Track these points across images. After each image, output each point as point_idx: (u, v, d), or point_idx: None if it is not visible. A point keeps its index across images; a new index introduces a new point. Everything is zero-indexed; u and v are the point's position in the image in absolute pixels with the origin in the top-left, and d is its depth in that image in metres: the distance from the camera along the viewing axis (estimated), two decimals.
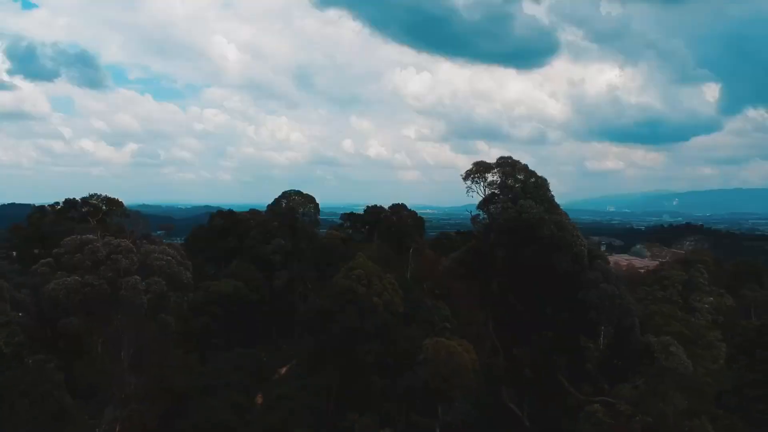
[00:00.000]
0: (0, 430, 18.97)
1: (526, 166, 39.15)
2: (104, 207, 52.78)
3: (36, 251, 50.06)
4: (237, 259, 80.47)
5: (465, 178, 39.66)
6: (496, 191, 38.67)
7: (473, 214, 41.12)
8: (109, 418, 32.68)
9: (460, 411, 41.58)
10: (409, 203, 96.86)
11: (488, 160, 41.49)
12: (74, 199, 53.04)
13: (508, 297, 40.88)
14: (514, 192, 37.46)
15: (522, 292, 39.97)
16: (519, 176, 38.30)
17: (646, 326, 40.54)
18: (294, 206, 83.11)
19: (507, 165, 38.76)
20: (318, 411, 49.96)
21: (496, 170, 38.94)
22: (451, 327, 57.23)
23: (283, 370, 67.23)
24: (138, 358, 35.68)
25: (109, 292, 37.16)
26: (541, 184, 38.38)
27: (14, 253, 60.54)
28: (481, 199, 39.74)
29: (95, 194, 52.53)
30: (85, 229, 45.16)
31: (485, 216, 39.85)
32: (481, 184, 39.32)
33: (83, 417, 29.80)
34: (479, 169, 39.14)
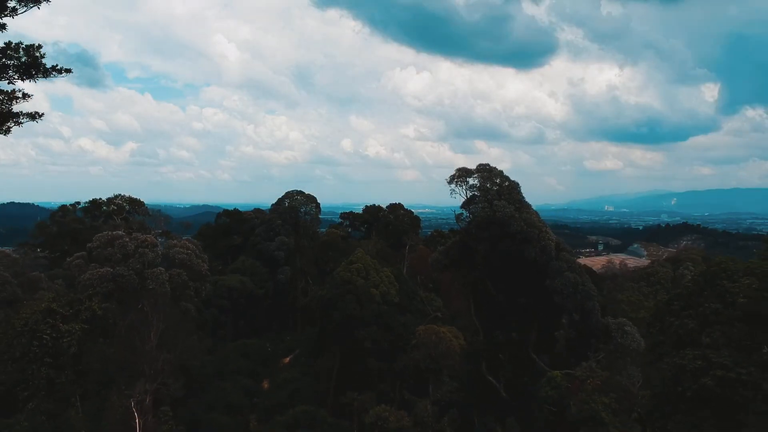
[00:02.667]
0: (79, 383, 23.26)
1: (501, 172, 44.47)
2: (127, 206, 57.54)
3: (65, 247, 54.92)
4: (243, 256, 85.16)
5: (450, 182, 44.80)
6: (476, 193, 43.70)
7: (457, 212, 46.18)
8: (141, 390, 37.43)
9: (448, 388, 46.41)
10: (408, 202, 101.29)
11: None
12: (100, 199, 57.90)
13: (487, 285, 45.86)
14: (491, 194, 42.53)
15: (499, 281, 45.08)
16: (495, 180, 43.50)
17: (616, 312, 45.54)
18: (296, 205, 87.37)
19: (485, 171, 43.98)
20: (321, 391, 54.79)
21: (476, 175, 44.09)
22: (442, 316, 62.19)
23: (287, 359, 72.10)
24: (164, 338, 40.34)
25: (137, 281, 41.99)
26: (513, 187, 43.65)
27: (38, 249, 65.36)
28: (463, 200, 44.77)
29: (119, 194, 57.38)
30: (112, 226, 49.97)
31: (468, 215, 44.85)
32: (464, 187, 44.42)
33: (121, 387, 34.50)
34: (461, 174, 44.25)
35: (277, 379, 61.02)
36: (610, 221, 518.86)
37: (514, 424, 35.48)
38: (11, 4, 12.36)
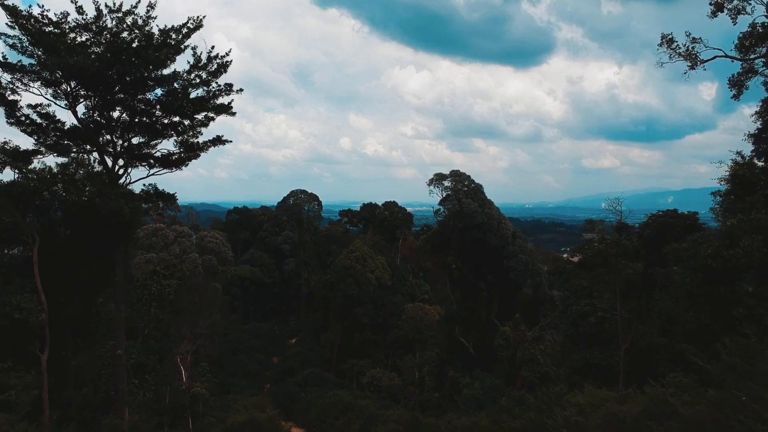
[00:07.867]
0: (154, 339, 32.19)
1: (469, 177, 54.83)
2: (161, 204, 66.60)
3: None
4: (252, 249, 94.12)
5: (429, 185, 54.99)
6: (450, 193, 53.68)
7: (435, 208, 56.29)
8: (184, 350, 46.89)
9: (431, 353, 56.11)
10: (405, 200, 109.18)
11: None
12: None
13: (460, 265, 55.76)
14: (461, 194, 52.51)
15: (468, 262, 54.94)
16: (465, 183, 53.59)
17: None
18: (300, 203, 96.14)
19: (457, 176, 54.12)
20: (325, 359, 64.21)
21: (449, 179, 54.26)
22: (429, 298, 71.71)
23: (293, 341, 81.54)
24: (200, 309, 49.72)
25: (177, 264, 51.49)
26: (478, 188, 54.08)
27: None
28: (440, 198, 54.87)
29: None
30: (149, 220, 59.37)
31: (443, 210, 54.85)
32: (440, 188, 54.50)
33: (174, 342, 43.80)
34: (438, 178, 54.43)
35: (287, 354, 70.56)
36: (608, 219, 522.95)
37: (479, 373, 45.12)
38: (211, 115, 21.43)
